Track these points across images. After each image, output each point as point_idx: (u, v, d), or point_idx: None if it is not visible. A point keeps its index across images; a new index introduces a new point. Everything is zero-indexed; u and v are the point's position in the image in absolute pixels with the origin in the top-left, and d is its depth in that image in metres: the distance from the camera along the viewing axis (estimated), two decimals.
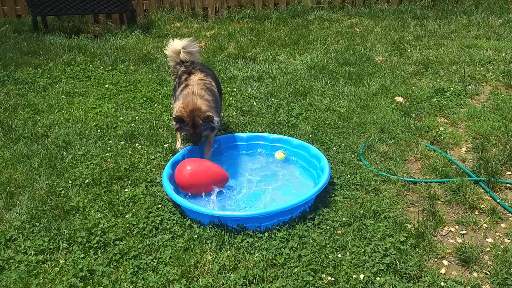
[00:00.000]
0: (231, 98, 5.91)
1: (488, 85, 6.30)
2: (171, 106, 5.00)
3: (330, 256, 3.22)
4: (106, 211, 3.75)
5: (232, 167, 4.39)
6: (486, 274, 3.11)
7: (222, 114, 5.25)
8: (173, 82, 5.05)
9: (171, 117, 5.39)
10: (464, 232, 3.54)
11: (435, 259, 3.25)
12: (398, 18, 9.67)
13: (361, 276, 3.05)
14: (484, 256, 3.26)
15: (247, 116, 5.43)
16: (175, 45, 4.74)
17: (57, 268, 3.17)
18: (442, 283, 2.99)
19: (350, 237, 3.40)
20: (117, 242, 3.39)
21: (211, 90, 4.34)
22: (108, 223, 3.58)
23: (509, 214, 3.73)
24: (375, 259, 3.18)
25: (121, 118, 5.41)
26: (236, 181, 4.18)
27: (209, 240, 3.38)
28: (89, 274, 3.10)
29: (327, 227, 3.51)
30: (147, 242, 3.39)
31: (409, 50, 7.69)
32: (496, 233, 3.52)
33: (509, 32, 8.52)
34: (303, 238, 3.39)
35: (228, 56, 7.61)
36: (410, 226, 3.55)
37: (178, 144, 4.67)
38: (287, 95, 5.96)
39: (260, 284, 3.02)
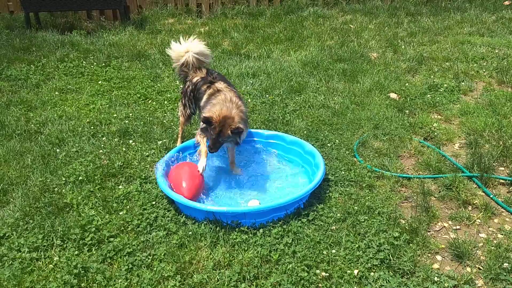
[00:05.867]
0: None
1: (481, 82, 6.33)
2: (178, 113, 4.81)
3: (325, 252, 3.23)
4: (100, 208, 3.74)
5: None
6: (479, 269, 3.13)
7: None
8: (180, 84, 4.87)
9: (164, 114, 5.38)
10: (458, 227, 3.56)
11: (429, 255, 3.27)
12: (392, 14, 9.68)
13: (355, 271, 3.07)
14: (477, 251, 3.28)
15: None
16: (183, 47, 4.48)
17: (51, 265, 3.16)
18: (435, 278, 3.01)
19: (344, 232, 3.41)
20: (111, 239, 3.39)
21: (243, 102, 4.13)
22: (102, 220, 3.57)
23: (502, 210, 3.75)
24: (369, 255, 3.20)
25: (115, 115, 5.38)
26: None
27: (204, 237, 3.38)
28: (83, 271, 3.09)
29: (322, 223, 3.53)
30: (142, 239, 3.39)
31: (403, 46, 7.70)
32: (489, 228, 3.54)
33: (502, 29, 8.56)
34: (297, 234, 3.40)
35: (222, 52, 7.59)
36: (403, 222, 3.56)
37: (179, 143, 4.60)
38: (281, 92, 5.95)
39: (254, 280, 3.02)
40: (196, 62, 4.46)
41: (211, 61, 4.76)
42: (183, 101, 4.57)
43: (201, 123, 3.87)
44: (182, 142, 4.56)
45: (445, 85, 6.07)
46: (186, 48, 4.45)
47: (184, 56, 4.45)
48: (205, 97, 4.16)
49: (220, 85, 4.19)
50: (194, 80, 4.41)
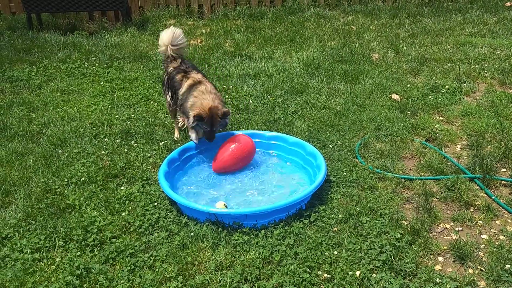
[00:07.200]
0: (227, 96, 5.91)
1: (483, 83, 6.32)
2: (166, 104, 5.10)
3: (326, 253, 3.23)
4: (102, 209, 3.74)
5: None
6: (481, 270, 3.13)
7: None
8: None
9: (166, 115, 5.39)
10: (460, 229, 3.56)
11: (431, 256, 3.27)
12: (394, 15, 9.68)
13: (357, 272, 3.06)
14: (479, 252, 3.28)
15: (243, 114, 5.43)
16: (164, 38, 4.80)
17: (53, 266, 3.16)
18: (437, 280, 3.01)
19: (346, 234, 3.41)
20: (114, 240, 3.39)
21: (217, 90, 4.52)
22: (104, 221, 3.57)
23: (504, 211, 3.75)
24: (371, 256, 3.20)
25: (117, 116, 5.39)
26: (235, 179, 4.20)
27: (206, 238, 3.38)
28: (85, 272, 3.09)
29: (323, 224, 3.53)
30: (144, 240, 3.39)
31: (404, 47, 7.70)
32: (491, 230, 3.54)
33: (503, 30, 8.55)
34: (299, 236, 3.40)
35: (224, 53, 7.60)
36: (405, 223, 3.56)
37: (176, 134, 4.84)
38: (283, 93, 5.96)
39: (256, 282, 3.02)
40: (172, 52, 4.75)
41: (187, 44, 5.17)
42: (164, 91, 4.92)
43: (191, 120, 4.20)
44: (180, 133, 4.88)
45: (447, 86, 6.07)
46: (165, 37, 4.77)
47: (166, 48, 4.79)
48: (184, 87, 4.44)
49: (197, 75, 4.51)
50: (169, 69, 4.75)
